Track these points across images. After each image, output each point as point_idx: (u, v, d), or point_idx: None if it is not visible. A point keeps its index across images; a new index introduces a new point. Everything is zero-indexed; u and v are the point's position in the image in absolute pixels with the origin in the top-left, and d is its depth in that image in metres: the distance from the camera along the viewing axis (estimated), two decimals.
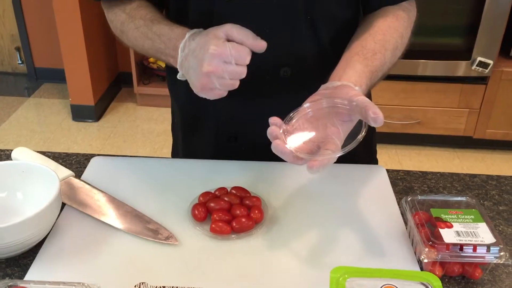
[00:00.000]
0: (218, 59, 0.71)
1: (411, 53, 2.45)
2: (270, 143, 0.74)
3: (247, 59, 0.72)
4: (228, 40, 0.73)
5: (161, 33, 0.82)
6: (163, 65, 3.07)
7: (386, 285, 0.57)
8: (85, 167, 0.93)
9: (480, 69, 2.48)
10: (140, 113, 3.10)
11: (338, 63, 0.81)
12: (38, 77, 3.47)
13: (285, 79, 0.91)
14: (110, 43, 3.20)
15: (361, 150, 1.04)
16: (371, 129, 1.04)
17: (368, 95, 0.99)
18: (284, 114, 0.82)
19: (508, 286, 0.70)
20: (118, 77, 3.33)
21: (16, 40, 3.40)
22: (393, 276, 0.58)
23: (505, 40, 2.44)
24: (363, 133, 0.69)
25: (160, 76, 3.10)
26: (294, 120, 0.74)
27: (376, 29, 0.84)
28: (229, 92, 0.78)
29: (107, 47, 3.16)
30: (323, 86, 0.77)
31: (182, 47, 0.78)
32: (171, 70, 1.00)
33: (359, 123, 0.72)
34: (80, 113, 2.98)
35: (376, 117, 0.66)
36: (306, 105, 0.74)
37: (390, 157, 2.52)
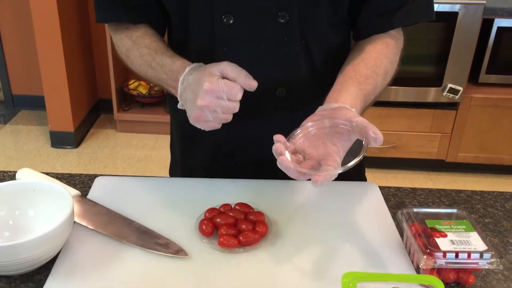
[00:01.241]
0: (211, 94, 0.77)
1: None
2: (265, 160, 0.79)
3: (239, 96, 0.78)
4: (223, 77, 0.79)
5: (163, 64, 0.88)
6: (144, 92, 3.10)
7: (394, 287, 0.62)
8: (89, 187, 0.95)
9: (451, 95, 2.61)
10: (120, 139, 3.11)
11: (333, 86, 0.86)
12: (15, 104, 3.44)
13: (280, 99, 0.96)
14: (90, 69, 3.22)
15: (353, 169, 1.10)
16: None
17: None
18: (279, 132, 0.87)
19: None
20: (98, 104, 3.34)
21: None
22: (400, 280, 0.62)
23: (473, 67, 2.58)
24: (364, 152, 0.74)
25: (139, 103, 3.12)
26: (297, 138, 0.79)
27: (367, 55, 0.90)
28: None
29: (87, 73, 3.17)
30: (320, 108, 0.82)
31: (182, 80, 0.84)
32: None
33: (357, 142, 0.77)
34: (59, 140, 2.96)
35: (376, 137, 0.71)
36: (308, 124, 0.79)
37: (368, 179, 2.60)
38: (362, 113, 0.88)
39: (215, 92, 0.77)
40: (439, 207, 0.91)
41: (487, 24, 2.51)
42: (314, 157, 0.77)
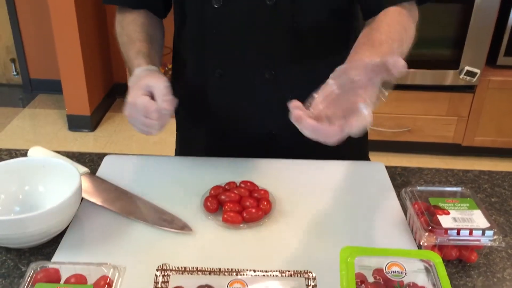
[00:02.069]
0: (132, 107, 0.82)
1: None
2: (260, 141, 0.78)
3: (153, 115, 0.81)
4: (152, 93, 0.83)
5: (129, 58, 0.95)
6: None
7: (392, 263, 0.62)
8: (98, 165, 0.97)
9: (468, 78, 2.57)
10: None
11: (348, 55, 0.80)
12: (33, 88, 3.50)
13: (270, 81, 0.96)
14: (106, 54, 3.24)
15: (357, 148, 1.10)
16: (363, 136, 1.09)
17: None
18: (270, 111, 0.89)
19: (501, 269, 0.75)
20: (114, 88, 3.37)
21: (12, 51, 3.43)
22: (397, 255, 0.63)
23: (491, 49, 2.53)
24: (391, 87, 0.67)
25: None
26: (317, 102, 0.69)
27: (379, 23, 0.85)
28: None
29: (103, 58, 3.20)
30: (336, 69, 0.73)
31: (130, 79, 0.90)
32: (175, 69, 1.07)
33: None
34: (76, 123, 3.01)
35: (396, 62, 0.63)
36: (329, 82, 0.70)
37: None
38: None
39: (134, 107, 0.81)
40: (443, 186, 0.91)
41: (505, 4, 2.45)
42: (340, 115, 0.67)
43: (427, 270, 0.63)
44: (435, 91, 2.66)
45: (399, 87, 2.64)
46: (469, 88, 2.63)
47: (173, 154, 1.19)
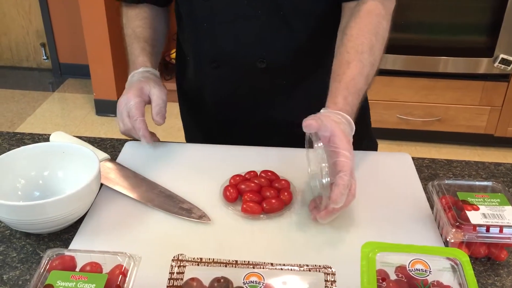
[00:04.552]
0: (122, 108, 0.93)
1: (432, 49, 2.49)
2: (258, 129, 0.86)
3: (138, 127, 0.91)
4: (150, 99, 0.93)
5: (132, 53, 1.01)
6: None
7: (415, 260, 0.59)
8: (119, 151, 0.96)
9: (503, 66, 2.47)
10: None
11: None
12: (63, 73, 3.54)
13: (262, 70, 0.97)
14: None
15: (365, 137, 1.10)
16: (364, 104, 1.10)
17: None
18: (267, 104, 0.98)
19: None
20: None
21: (42, 36, 3.47)
22: (422, 252, 0.60)
23: None
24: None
25: None
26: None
27: (347, 37, 0.86)
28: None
29: None
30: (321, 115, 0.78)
31: (132, 74, 0.98)
32: (178, 59, 1.09)
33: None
34: (103, 108, 3.04)
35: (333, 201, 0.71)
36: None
37: (410, 153, 2.54)
38: (363, 92, 0.85)
39: (121, 108, 0.93)
40: (473, 179, 0.87)
41: None
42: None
43: (453, 268, 0.60)
44: (468, 80, 2.57)
45: (431, 75, 2.57)
46: (504, 77, 2.54)
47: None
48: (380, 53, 0.88)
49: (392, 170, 0.91)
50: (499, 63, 2.47)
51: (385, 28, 0.89)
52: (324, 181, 0.71)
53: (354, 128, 0.79)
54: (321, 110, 0.79)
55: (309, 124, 0.73)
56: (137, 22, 1.03)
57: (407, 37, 2.53)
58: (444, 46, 2.52)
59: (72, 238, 0.75)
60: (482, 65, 2.51)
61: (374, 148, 1.19)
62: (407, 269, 0.59)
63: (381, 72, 2.56)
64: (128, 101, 0.92)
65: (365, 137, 1.15)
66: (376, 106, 1.08)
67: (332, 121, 0.74)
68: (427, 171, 0.93)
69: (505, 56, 2.45)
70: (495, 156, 2.72)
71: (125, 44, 1.04)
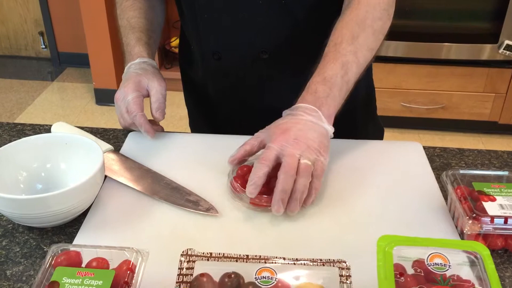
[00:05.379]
0: (119, 100, 0.92)
1: (435, 36, 2.46)
2: (263, 117, 0.83)
3: (137, 119, 0.89)
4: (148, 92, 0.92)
5: (128, 43, 0.98)
6: None
7: (434, 254, 0.57)
8: (122, 142, 0.94)
9: (508, 52, 2.44)
10: None
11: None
12: (61, 62, 3.51)
13: (265, 60, 0.95)
14: None
15: (370, 125, 1.09)
16: (370, 89, 1.11)
17: (368, 82, 1.07)
18: (271, 93, 0.96)
19: None
20: None
21: (40, 25, 3.43)
22: (441, 245, 0.58)
23: None
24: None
25: None
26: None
27: (332, 31, 0.84)
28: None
29: None
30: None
31: (129, 65, 0.95)
32: (184, 47, 1.10)
33: None
34: (103, 97, 3.01)
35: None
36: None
37: (413, 141, 2.55)
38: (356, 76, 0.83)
39: (118, 101, 0.91)
40: (488, 169, 0.85)
41: None
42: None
43: (472, 262, 0.58)
44: (472, 66, 2.54)
45: (434, 61, 2.54)
46: (508, 64, 2.51)
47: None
48: (367, 41, 0.83)
49: (403, 159, 0.89)
50: (504, 49, 2.44)
51: (377, 17, 0.84)
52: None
53: (323, 114, 0.77)
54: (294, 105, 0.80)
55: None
56: (131, 13, 1.01)
57: (410, 24, 2.49)
58: (447, 32, 2.48)
59: (77, 231, 0.73)
60: (486, 51, 2.48)
61: (380, 135, 1.17)
62: (425, 263, 0.57)
63: (384, 59, 2.55)
64: (125, 96, 0.90)
65: (370, 123, 1.14)
66: (379, 94, 1.08)
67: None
68: (439, 160, 0.91)
69: (510, 42, 2.42)
70: (500, 144, 2.70)
71: (120, 36, 1.02)
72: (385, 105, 2.63)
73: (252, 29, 0.92)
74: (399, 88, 2.63)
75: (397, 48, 2.52)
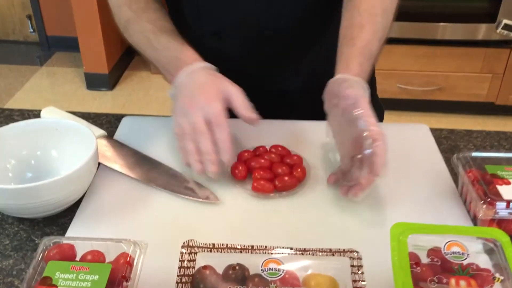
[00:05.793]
0: (195, 110, 0.72)
1: (430, 15, 2.40)
2: (265, 100, 0.78)
3: (223, 138, 0.71)
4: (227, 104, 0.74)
5: (168, 47, 0.81)
6: None
7: (451, 242, 0.54)
8: (116, 127, 0.90)
9: (505, 32, 2.40)
10: (155, 81, 3.06)
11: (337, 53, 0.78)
12: (50, 46, 3.42)
13: (267, 38, 0.90)
14: None
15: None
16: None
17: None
18: (274, 74, 0.92)
19: None
20: (131, 46, 3.27)
21: (27, 7, 3.34)
22: (458, 233, 0.55)
23: None
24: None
25: None
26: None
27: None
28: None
29: None
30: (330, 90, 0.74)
31: (186, 71, 0.77)
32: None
33: None
34: (94, 82, 2.94)
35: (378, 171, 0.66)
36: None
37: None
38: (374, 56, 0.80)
39: (200, 110, 0.72)
40: (499, 151, 0.81)
41: None
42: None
43: (490, 250, 0.55)
44: (469, 46, 2.50)
45: (430, 42, 2.49)
46: (506, 43, 2.47)
47: None
48: (392, 16, 0.82)
49: (410, 142, 0.85)
50: (502, 28, 2.40)
51: None
52: (366, 152, 0.66)
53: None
54: (338, 76, 0.73)
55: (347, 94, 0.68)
56: (151, 15, 0.85)
57: (404, 3, 2.45)
58: (442, 11, 2.44)
59: (70, 222, 0.69)
60: (483, 31, 2.44)
61: (381, 116, 1.14)
62: (442, 252, 0.54)
63: None
64: (208, 105, 0.72)
65: (371, 104, 1.10)
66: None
67: (354, 89, 0.68)
68: (446, 142, 0.87)
69: (508, 22, 2.38)
70: (496, 125, 2.68)
71: (135, 41, 0.87)
72: (381, 87, 2.58)
73: (254, 6, 0.87)
74: (395, 70, 2.59)
75: (392, 29, 2.48)
